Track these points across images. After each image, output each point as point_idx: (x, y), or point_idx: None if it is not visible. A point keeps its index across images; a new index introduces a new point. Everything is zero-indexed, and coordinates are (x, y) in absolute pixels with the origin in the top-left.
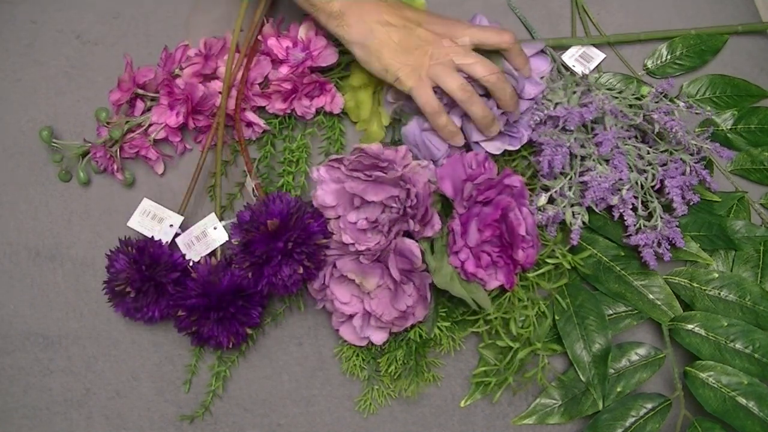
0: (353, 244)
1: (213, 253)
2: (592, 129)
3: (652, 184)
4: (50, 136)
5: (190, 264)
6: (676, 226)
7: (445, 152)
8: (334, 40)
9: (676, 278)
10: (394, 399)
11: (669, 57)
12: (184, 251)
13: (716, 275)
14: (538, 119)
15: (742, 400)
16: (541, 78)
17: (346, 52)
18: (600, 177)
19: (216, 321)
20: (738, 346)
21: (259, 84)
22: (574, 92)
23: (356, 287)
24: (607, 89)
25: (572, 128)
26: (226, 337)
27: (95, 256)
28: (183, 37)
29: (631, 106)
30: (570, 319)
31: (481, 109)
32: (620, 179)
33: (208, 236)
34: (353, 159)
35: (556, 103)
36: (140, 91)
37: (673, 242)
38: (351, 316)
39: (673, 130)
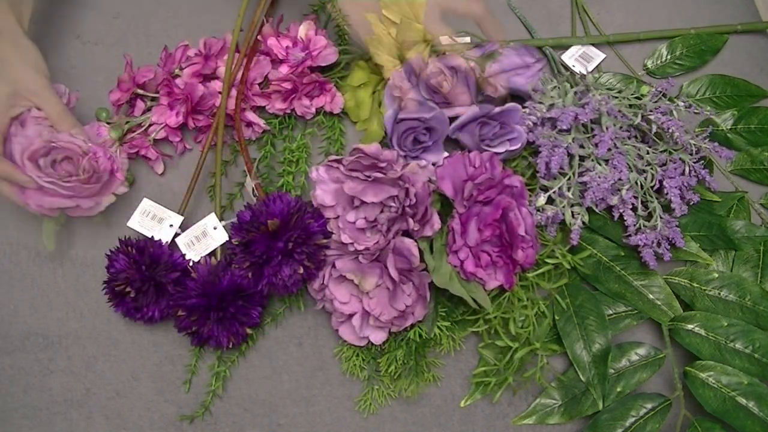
0: (352, 243)
1: (213, 253)
2: (591, 129)
3: (652, 184)
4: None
5: (190, 264)
6: (676, 226)
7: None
8: (334, 39)
9: (676, 278)
10: (394, 399)
11: (669, 57)
12: (184, 251)
13: (716, 275)
14: (531, 123)
15: (742, 400)
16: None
17: (346, 51)
18: (599, 177)
19: (216, 321)
20: (738, 346)
21: (259, 84)
22: (566, 92)
23: (355, 287)
24: (607, 89)
25: (565, 128)
26: (226, 336)
27: (95, 256)
28: (183, 37)
29: (630, 106)
30: (570, 319)
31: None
32: (620, 179)
33: (208, 236)
34: (352, 159)
35: (550, 105)
36: (140, 91)
37: (673, 242)
38: (350, 316)
39: (670, 130)
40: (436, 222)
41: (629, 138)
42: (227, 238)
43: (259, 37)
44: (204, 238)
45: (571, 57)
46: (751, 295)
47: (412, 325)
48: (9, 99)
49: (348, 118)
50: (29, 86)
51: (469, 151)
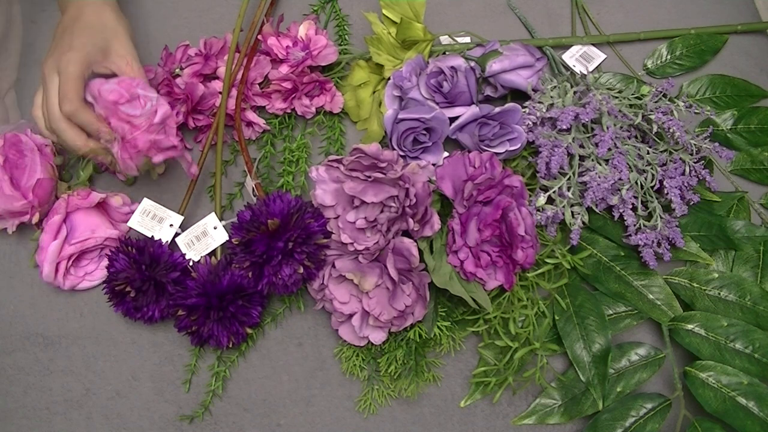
0: (352, 243)
1: (213, 253)
2: (592, 129)
3: (652, 184)
4: None
5: (190, 263)
6: (676, 226)
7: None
8: (335, 39)
9: (676, 278)
10: (394, 399)
11: (669, 57)
12: (184, 251)
13: (716, 275)
14: (531, 122)
15: (742, 400)
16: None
17: (346, 51)
18: (600, 177)
19: (216, 320)
20: (738, 346)
21: (259, 84)
22: (566, 92)
23: (355, 287)
24: (607, 89)
25: (565, 128)
26: (226, 336)
27: None
28: (183, 37)
29: (631, 106)
30: (570, 319)
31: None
32: (620, 179)
33: (208, 236)
34: (352, 159)
35: (549, 105)
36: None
37: (673, 242)
38: (350, 316)
39: (671, 130)
40: (436, 222)
41: (629, 138)
42: (227, 238)
43: (259, 37)
44: (204, 238)
45: (571, 57)
46: (751, 295)
47: (412, 325)
48: (97, 53)
49: (348, 117)
50: (121, 51)
51: (469, 152)
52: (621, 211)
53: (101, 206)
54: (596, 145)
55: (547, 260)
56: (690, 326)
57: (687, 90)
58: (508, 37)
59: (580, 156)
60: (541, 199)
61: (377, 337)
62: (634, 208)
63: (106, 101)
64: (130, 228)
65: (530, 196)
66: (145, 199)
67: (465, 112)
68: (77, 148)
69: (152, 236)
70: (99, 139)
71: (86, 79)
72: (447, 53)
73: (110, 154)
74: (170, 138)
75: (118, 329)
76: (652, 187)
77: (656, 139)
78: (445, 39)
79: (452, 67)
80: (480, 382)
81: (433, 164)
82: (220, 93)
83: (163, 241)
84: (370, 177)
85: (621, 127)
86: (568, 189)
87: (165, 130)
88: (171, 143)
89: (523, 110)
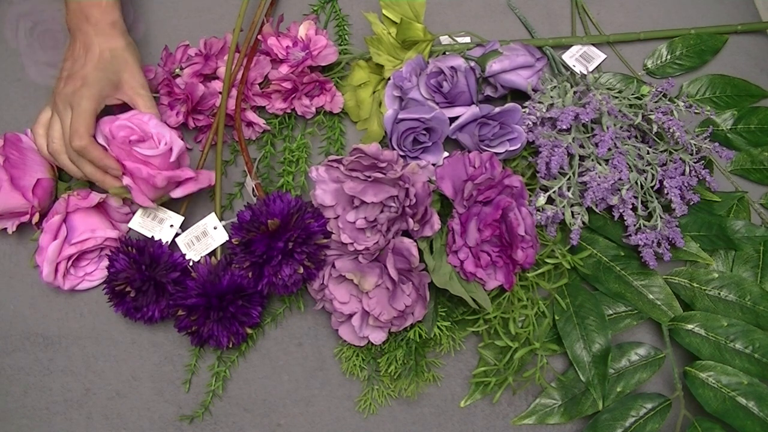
0: (352, 243)
1: (213, 253)
2: (592, 129)
3: (652, 184)
4: None
5: (190, 264)
6: (676, 226)
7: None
8: (335, 39)
9: (676, 278)
10: (394, 399)
11: (669, 57)
12: (184, 251)
13: (716, 275)
14: (531, 123)
15: (742, 400)
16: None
17: (346, 51)
18: (599, 177)
19: (216, 321)
20: (738, 346)
21: (259, 84)
22: (566, 92)
23: (355, 287)
24: (607, 89)
25: (565, 127)
26: (226, 336)
27: None
28: (183, 37)
29: (631, 106)
30: (570, 319)
31: None
32: (620, 179)
33: (208, 236)
34: (352, 159)
35: (549, 105)
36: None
37: (673, 242)
38: (350, 316)
39: (671, 130)
40: (436, 222)
41: (629, 138)
42: (227, 238)
43: (259, 37)
44: (204, 238)
45: (571, 57)
46: (751, 295)
47: (412, 325)
48: (110, 87)
49: (348, 117)
50: (132, 83)
51: (469, 152)
52: (621, 211)
53: (101, 206)
54: (596, 145)
55: (547, 260)
56: (690, 326)
57: (687, 90)
58: (508, 37)
59: (580, 156)
60: (541, 199)
61: (377, 337)
62: (634, 208)
63: (119, 139)
64: (130, 228)
65: (530, 196)
66: None
67: (465, 112)
68: (98, 183)
69: (152, 236)
70: (107, 173)
71: (97, 114)
72: (447, 53)
73: (128, 192)
74: (185, 170)
75: (118, 329)
76: (652, 187)
77: (656, 139)
78: (445, 39)
79: (452, 67)
80: (480, 382)
81: (433, 164)
82: (220, 93)
83: (163, 241)
84: (370, 177)
85: (621, 127)
86: (568, 189)
87: (179, 163)
88: (187, 175)
89: (523, 110)
